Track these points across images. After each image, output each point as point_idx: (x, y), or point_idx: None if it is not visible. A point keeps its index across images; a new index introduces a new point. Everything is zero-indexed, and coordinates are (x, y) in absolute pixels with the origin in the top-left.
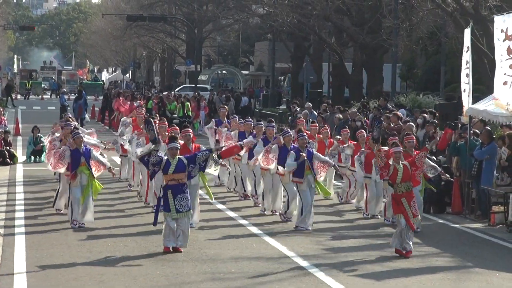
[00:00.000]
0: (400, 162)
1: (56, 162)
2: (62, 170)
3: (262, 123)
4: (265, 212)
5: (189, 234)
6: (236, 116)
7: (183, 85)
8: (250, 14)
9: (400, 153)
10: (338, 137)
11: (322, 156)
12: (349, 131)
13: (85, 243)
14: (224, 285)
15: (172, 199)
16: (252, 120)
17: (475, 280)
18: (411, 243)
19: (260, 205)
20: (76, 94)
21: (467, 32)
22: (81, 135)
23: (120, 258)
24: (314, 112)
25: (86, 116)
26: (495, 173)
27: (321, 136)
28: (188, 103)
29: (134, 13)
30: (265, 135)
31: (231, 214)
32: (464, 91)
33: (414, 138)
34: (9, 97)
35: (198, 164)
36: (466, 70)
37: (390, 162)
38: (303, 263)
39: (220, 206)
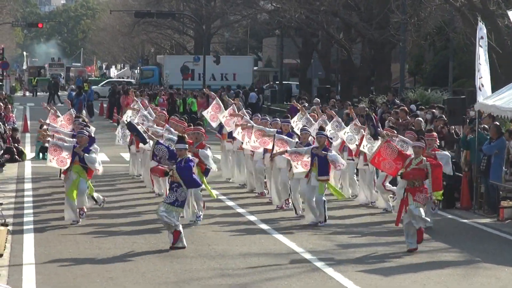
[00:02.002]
0: (421, 158)
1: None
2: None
3: (278, 119)
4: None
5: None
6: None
7: (108, 79)
8: (258, 10)
9: (419, 148)
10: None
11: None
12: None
13: (93, 240)
14: (232, 281)
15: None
16: (268, 117)
17: (484, 275)
18: (412, 240)
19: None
20: (76, 91)
21: (479, 28)
22: (86, 135)
23: (129, 254)
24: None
25: (84, 111)
26: (504, 167)
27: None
28: (195, 100)
29: (142, 9)
30: (281, 130)
31: (240, 210)
32: (483, 85)
33: (436, 135)
34: (55, 95)
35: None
36: (479, 65)
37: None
38: (312, 259)
39: (229, 203)
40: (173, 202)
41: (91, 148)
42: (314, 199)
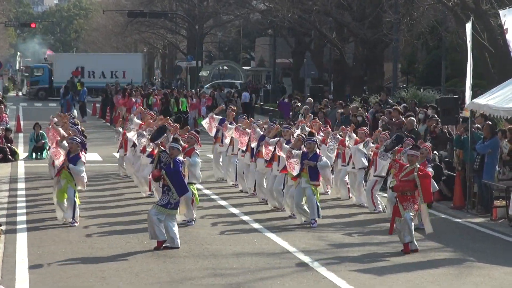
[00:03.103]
0: (413, 166)
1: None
2: (59, 160)
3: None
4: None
5: (176, 236)
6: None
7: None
8: (250, 9)
9: (413, 156)
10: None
11: (327, 172)
12: (354, 126)
13: (86, 240)
14: (225, 281)
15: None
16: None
17: (477, 274)
18: (407, 238)
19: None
20: (63, 91)
21: (468, 27)
22: (76, 142)
23: (122, 254)
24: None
25: (75, 111)
26: (497, 167)
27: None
28: (185, 99)
29: (135, 9)
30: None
31: (233, 210)
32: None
33: (430, 146)
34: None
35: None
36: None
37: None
38: (305, 258)
39: (222, 202)
40: (165, 204)
41: (80, 157)
42: (303, 200)
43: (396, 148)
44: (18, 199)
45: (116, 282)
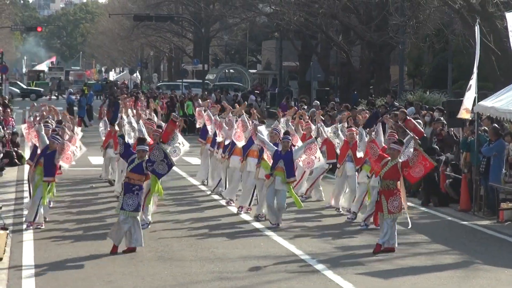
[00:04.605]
0: (396, 160)
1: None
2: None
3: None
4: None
5: (140, 236)
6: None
7: None
8: (257, 13)
9: (393, 150)
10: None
11: (301, 151)
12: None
13: (93, 243)
14: (232, 284)
15: (123, 196)
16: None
17: (484, 277)
18: (384, 239)
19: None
20: (70, 93)
21: (477, 30)
22: (57, 141)
23: (128, 258)
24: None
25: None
26: (503, 169)
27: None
28: (191, 103)
29: (141, 13)
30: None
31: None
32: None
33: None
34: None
35: (159, 159)
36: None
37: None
38: (311, 261)
39: (227, 205)
40: (136, 208)
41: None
42: (276, 204)
43: (373, 127)
44: (24, 201)
45: (122, 285)
